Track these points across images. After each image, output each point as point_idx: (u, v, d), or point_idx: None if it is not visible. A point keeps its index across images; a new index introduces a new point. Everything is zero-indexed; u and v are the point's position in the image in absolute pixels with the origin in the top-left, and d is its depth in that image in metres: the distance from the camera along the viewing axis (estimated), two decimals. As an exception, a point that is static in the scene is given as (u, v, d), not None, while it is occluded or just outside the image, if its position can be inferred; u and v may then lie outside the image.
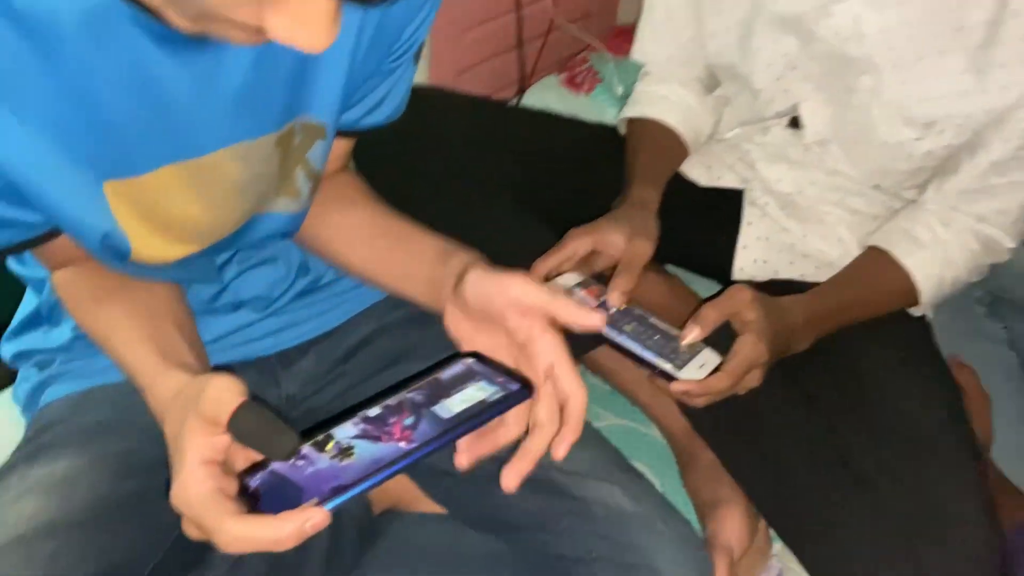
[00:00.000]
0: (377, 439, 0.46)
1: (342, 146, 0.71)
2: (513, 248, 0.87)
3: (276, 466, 0.46)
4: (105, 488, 0.61)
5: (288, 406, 0.74)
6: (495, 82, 1.38)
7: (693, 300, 0.97)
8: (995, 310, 0.99)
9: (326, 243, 0.70)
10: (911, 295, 0.86)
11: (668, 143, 0.97)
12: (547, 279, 0.79)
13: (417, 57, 0.69)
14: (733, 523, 0.78)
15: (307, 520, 0.41)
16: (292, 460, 0.45)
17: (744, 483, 0.81)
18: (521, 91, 1.33)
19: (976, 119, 0.77)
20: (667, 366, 0.71)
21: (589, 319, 0.51)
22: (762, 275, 0.96)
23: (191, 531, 0.45)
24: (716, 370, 0.73)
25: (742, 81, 0.92)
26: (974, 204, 0.84)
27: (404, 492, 0.76)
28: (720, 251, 0.98)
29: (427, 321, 0.78)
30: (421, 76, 1.28)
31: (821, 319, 0.82)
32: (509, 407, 0.48)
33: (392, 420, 0.47)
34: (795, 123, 0.95)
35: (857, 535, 0.71)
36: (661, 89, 0.99)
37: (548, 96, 1.30)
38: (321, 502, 0.42)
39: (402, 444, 0.45)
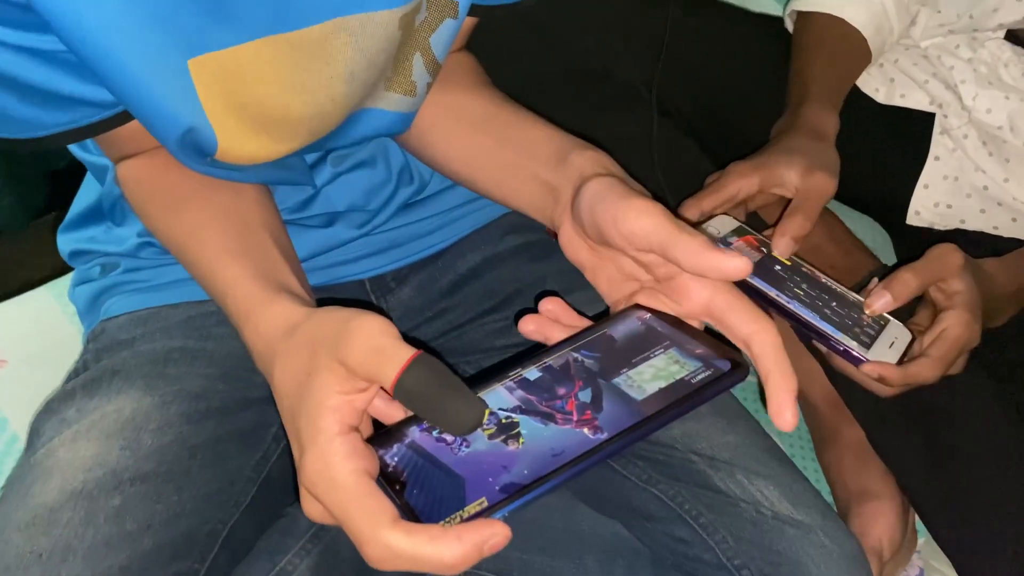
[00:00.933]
0: (549, 419, 0.36)
1: (464, 25, 0.57)
2: (661, 171, 0.72)
3: (418, 437, 0.36)
4: (176, 433, 0.52)
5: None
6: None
7: (854, 245, 0.82)
8: None
9: (423, 132, 0.56)
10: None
11: (849, 49, 0.78)
12: (698, 223, 0.64)
13: None
14: (886, 523, 0.67)
15: (489, 539, 0.31)
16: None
17: (902, 476, 0.69)
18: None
19: None
20: (852, 343, 0.57)
21: (730, 264, 0.37)
22: (943, 223, 0.79)
23: (315, 513, 0.35)
24: (908, 350, 0.59)
25: (965, -24, 0.72)
26: None
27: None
28: (894, 188, 0.81)
29: (549, 252, 0.66)
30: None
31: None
32: (718, 393, 0.37)
33: (562, 392, 0.37)
34: (1014, 38, 0.75)
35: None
36: (847, -23, 0.79)
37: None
38: (492, 506, 0.32)
39: (588, 432, 0.34)
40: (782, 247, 0.62)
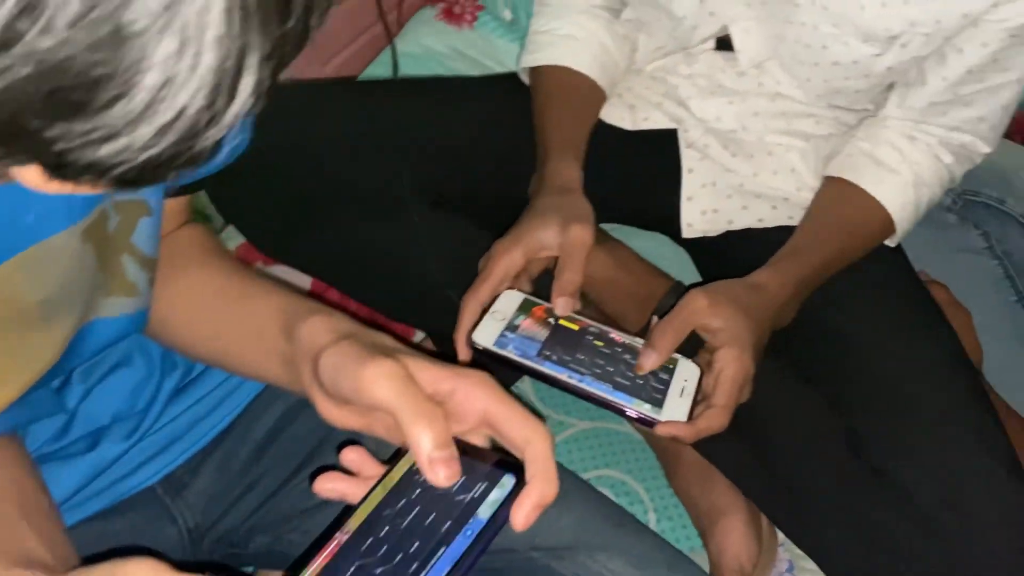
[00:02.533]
0: None
1: (175, 205, 0.55)
2: (438, 258, 0.72)
3: None
4: None
5: (194, 542, 0.59)
6: (360, 22, 1.17)
7: (645, 271, 0.85)
8: (968, 216, 0.90)
9: (163, 321, 0.54)
10: (887, 228, 0.76)
11: (582, 94, 0.81)
12: (484, 311, 0.64)
13: None
14: (737, 538, 0.69)
15: None
16: None
17: (741, 484, 0.72)
18: (389, 35, 1.13)
19: (948, 26, 0.65)
20: (645, 407, 0.58)
21: (433, 464, 0.37)
22: (714, 228, 0.83)
23: None
24: (699, 387, 0.61)
25: (659, 7, 0.76)
26: (945, 116, 0.73)
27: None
28: (664, 204, 0.85)
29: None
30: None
31: (806, 285, 0.71)
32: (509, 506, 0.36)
33: (380, 554, 0.36)
34: (723, 44, 0.80)
35: (883, 539, 0.63)
36: (563, 26, 0.82)
37: (425, 36, 1.10)
38: None
39: None
40: (560, 308, 0.63)
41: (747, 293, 0.65)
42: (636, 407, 0.58)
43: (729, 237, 0.83)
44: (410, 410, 0.37)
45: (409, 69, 1.06)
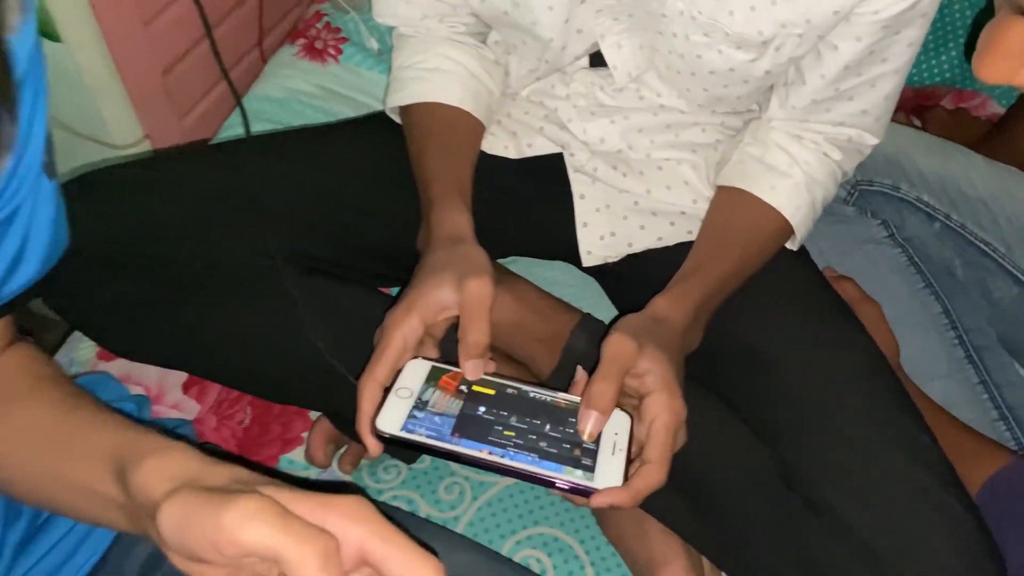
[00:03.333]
0: None
1: None
2: (323, 333, 0.65)
3: None
4: None
5: None
6: (213, 73, 1.08)
7: (552, 308, 0.80)
8: (865, 206, 0.89)
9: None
10: (785, 232, 0.73)
11: (458, 130, 0.75)
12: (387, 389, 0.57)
13: (51, 168, 0.45)
14: (680, 587, 0.65)
15: None
16: None
17: (677, 530, 0.68)
18: (233, 89, 1.04)
19: (819, 24, 0.62)
20: (575, 476, 0.53)
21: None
22: (615, 253, 0.79)
23: None
24: (631, 437, 0.56)
25: (523, 30, 0.71)
26: (829, 112, 0.71)
27: None
28: (559, 232, 0.80)
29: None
30: (119, 104, 0.98)
31: (706, 306, 0.67)
32: None
33: None
34: (597, 60, 0.76)
35: (824, 570, 0.59)
36: (428, 59, 0.76)
37: (287, 77, 1.02)
38: None
39: None
40: (470, 373, 0.57)
41: (656, 329, 0.60)
42: (567, 476, 0.52)
43: (632, 261, 0.79)
44: (291, 544, 0.31)
45: (274, 115, 0.98)
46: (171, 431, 0.67)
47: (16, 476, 0.46)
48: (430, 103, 0.75)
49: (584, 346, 0.74)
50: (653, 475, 0.53)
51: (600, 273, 0.83)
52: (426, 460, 0.78)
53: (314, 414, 0.80)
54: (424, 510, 0.75)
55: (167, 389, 0.79)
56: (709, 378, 0.70)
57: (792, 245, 0.76)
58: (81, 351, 0.80)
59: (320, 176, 0.74)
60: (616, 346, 0.56)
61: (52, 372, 0.49)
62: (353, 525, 0.33)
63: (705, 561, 0.70)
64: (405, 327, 0.57)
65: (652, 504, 0.68)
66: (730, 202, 0.73)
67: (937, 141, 0.87)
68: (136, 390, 0.78)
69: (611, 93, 0.77)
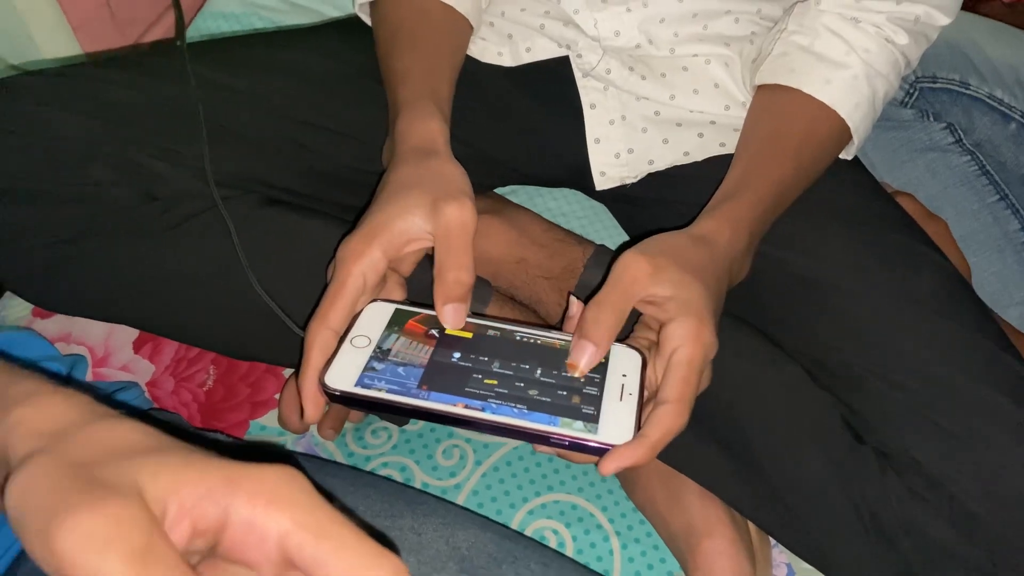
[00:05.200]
0: None
1: None
2: (265, 271, 0.54)
3: None
4: None
5: None
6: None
7: (561, 241, 0.68)
8: (926, 107, 0.76)
9: None
10: (843, 136, 0.61)
11: (437, 25, 0.62)
12: (342, 337, 0.46)
13: None
14: (726, 562, 0.54)
15: None
16: None
17: (718, 491, 0.57)
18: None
19: None
20: (574, 428, 0.42)
21: None
22: (633, 172, 0.67)
23: None
24: (643, 379, 0.45)
25: None
26: (890, -15, 0.58)
27: None
28: (568, 152, 0.68)
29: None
30: (56, 29, 0.85)
31: (760, 228, 0.55)
32: None
33: None
34: (607, -66, 0.63)
35: (906, 536, 0.48)
36: (402, -57, 0.63)
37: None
38: None
39: None
40: (450, 320, 0.46)
41: (694, 249, 0.49)
42: (563, 430, 0.41)
43: (653, 182, 0.67)
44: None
45: (229, 34, 0.86)
46: (108, 396, 0.56)
47: None
48: (410, -3, 0.62)
49: (600, 283, 0.63)
50: (671, 419, 0.42)
51: (615, 200, 0.71)
52: (418, 421, 0.67)
53: (288, 371, 0.69)
54: (420, 478, 0.64)
55: (115, 348, 0.68)
56: (753, 314, 0.59)
57: (847, 154, 0.63)
58: (13, 308, 0.68)
59: (277, 88, 0.61)
60: (625, 266, 0.45)
61: None
62: (271, 512, 0.23)
63: (752, 528, 0.60)
64: (364, 262, 0.46)
65: (689, 463, 0.57)
66: (776, 103, 0.61)
67: (1007, 28, 0.74)
68: (77, 350, 0.67)
69: (625, -24, 0.64)
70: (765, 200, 0.54)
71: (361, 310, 0.47)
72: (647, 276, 0.45)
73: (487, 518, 0.51)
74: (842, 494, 0.51)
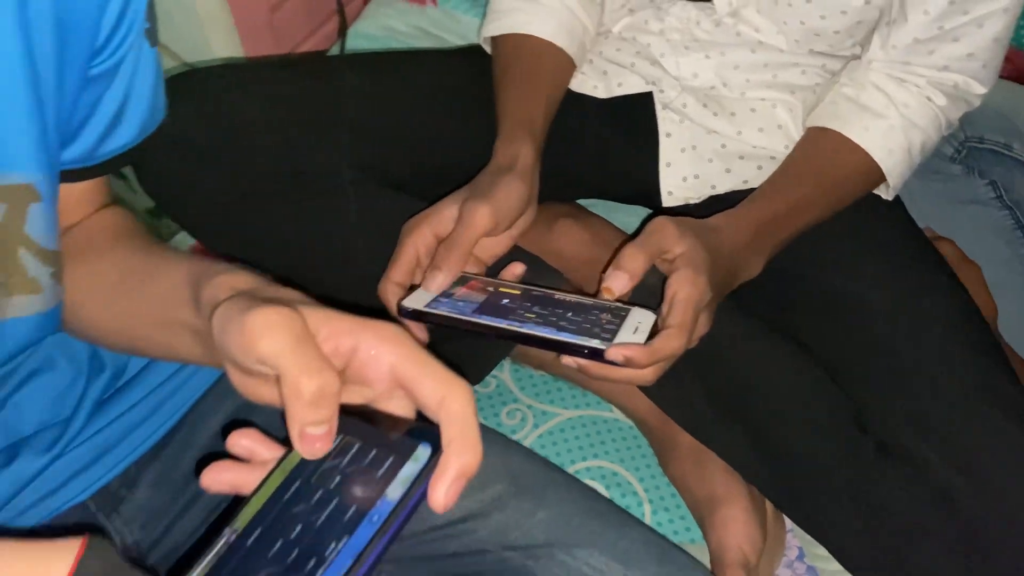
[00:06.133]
0: None
1: (81, 191, 0.50)
2: (380, 243, 0.66)
3: None
4: None
5: (135, 561, 0.54)
6: (321, 10, 1.12)
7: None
8: (973, 164, 0.84)
9: (75, 316, 0.49)
10: (875, 177, 0.70)
11: (546, 65, 0.74)
12: (412, 288, 0.58)
13: (153, 35, 0.47)
14: (739, 528, 0.63)
15: None
16: None
17: (740, 468, 0.66)
18: (342, 19, 1.07)
19: None
20: (593, 342, 0.52)
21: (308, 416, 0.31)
22: (697, 194, 0.77)
23: None
24: (654, 330, 0.55)
25: (623, -44, 0.71)
26: (932, 55, 0.67)
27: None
28: (642, 174, 0.79)
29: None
30: (227, 35, 1.02)
31: (768, 231, 0.65)
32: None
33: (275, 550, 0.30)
34: (696, -5, 0.74)
35: (896, 517, 0.56)
36: (526, -11, 0.76)
37: (387, 16, 1.05)
38: None
39: None
40: (433, 284, 0.56)
41: (703, 230, 0.60)
42: (585, 342, 0.52)
43: (714, 203, 0.77)
44: (297, 366, 0.31)
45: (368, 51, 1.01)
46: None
47: (97, 317, 0.48)
48: (522, 35, 0.75)
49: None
50: (672, 339, 0.53)
51: (680, 216, 0.81)
52: (490, 384, 0.78)
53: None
54: (485, 434, 0.75)
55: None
56: (786, 324, 0.68)
57: (886, 194, 0.72)
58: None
59: (405, 96, 0.75)
60: (658, 223, 0.57)
61: (135, 227, 0.52)
62: (386, 346, 0.33)
63: (770, 512, 0.68)
64: (416, 236, 0.59)
65: (716, 440, 0.66)
66: (817, 141, 0.71)
67: (1055, 101, 0.82)
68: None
69: (707, 28, 0.75)
70: (776, 208, 0.64)
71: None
72: (674, 235, 0.57)
73: (536, 454, 0.61)
74: (844, 473, 0.59)
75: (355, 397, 0.36)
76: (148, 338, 0.45)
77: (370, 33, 1.02)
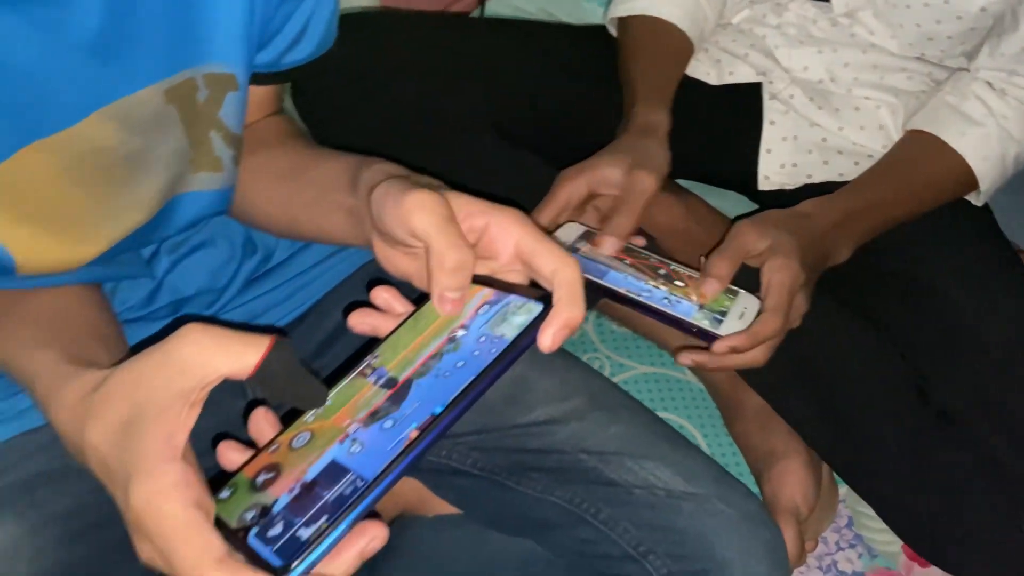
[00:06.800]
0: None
1: (262, 94, 0.59)
2: (504, 192, 0.74)
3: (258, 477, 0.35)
4: (53, 558, 0.50)
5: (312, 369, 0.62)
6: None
7: (718, 222, 0.84)
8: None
9: (242, 197, 0.57)
10: (967, 182, 0.73)
11: (671, 45, 0.81)
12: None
13: None
14: (795, 480, 0.67)
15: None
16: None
17: (804, 431, 0.70)
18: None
19: None
20: (704, 322, 0.58)
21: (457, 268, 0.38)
22: (792, 182, 0.82)
23: (145, 553, 0.35)
24: (759, 312, 0.60)
25: (749, -49, 0.77)
26: (1039, 65, 0.70)
27: (412, 495, 0.65)
28: (742, 159, 0.84)
29: (415, 289, 0.67)
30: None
31: (857, 218, 0.69)
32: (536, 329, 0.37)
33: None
34: (816, -5, 0.79)
35: (946, 480, 0.60)
36: (654, -24, 0.83)
37: None
38: (335, 519, 0.32)
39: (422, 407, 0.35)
40: (606, 247, 0.63)
41: (790, 218, 0.64)
42: (696, 320, 0.58)
43: (807, 192, 0.82)
44: (443, 241, 0.38)
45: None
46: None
47: (261, 201, 0.56)
48: (649, 17, 0.82)
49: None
50: (770, 322, 0.57)
51: (772, 202, 0.86)
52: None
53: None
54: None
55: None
56: (862, 304, 0.72)
57: (976, 200, 0.75)
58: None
59: (539, 62, 0.83)
60: (736, 230, 0.62)
61: (300, 132, 0.61)
62: (512, 226, 0.39)
63: (824, 478, 0.72)
64: (572, 186, 0.65)
65: (784, 403, 0.71)
66: (911, 141, 0.74)
67: None
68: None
69: (822, 27, 0.80)
70: (867, 198, 0.69)
71: (561, 225, 0.66)
72: (752, 234, 0.61)
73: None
74: (904, 444, 0.63)
75: (482, 268, 0.43)
76: (305, 218, 0.53)
77: (500, 12, 1.11)
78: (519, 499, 0.59)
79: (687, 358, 0.58)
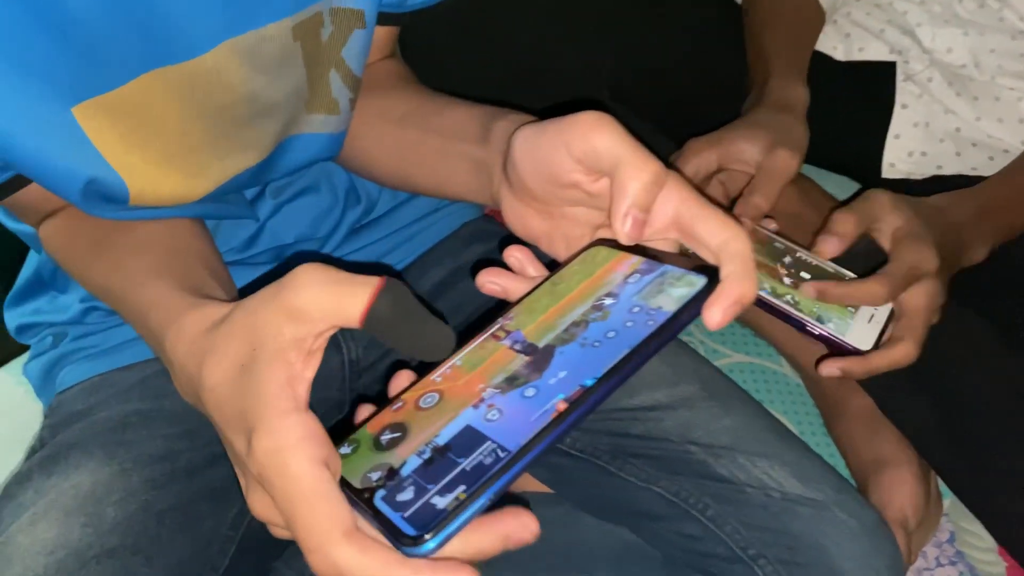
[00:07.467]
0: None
1: (382, 35, 0.56)
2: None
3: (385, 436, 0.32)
4: (140, 501, 0.49)
5: (353, 376, 0.60)
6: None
7: (831, 206, 0.78)
8: None
9: (352, 141, 0.54)
10: None
11: (803, 15, 0.75)
12: None
13: None
14: (906, 491, 0.63)
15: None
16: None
17: (918, 441, 0.65)
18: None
19: None
20: (828, 327, 0.53)
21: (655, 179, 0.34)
22: (919, 171, 0.76)
23: (260, 508, 0.32)
24: (888, 322, 0.55)
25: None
26: None
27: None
28: (866, 143, 0.79)
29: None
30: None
31: (993, 217, 0.63)
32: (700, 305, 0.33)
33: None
34: (965, -32, 0.73)
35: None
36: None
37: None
38: (473, 493, 0.28)
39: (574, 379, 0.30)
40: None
41: (924, 208, 0.59)
42: (821, 325, 0.53)
43: (936, 184, 0.76)
44: (636, 155, 0.34)
45: None
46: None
47: (372, 148, 0.53)
48: (783, -17, 0.76)
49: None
50: (900, 352, 0.53)
51: (888, 189, 0.80)
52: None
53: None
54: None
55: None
56: (995, 309, 0.67)
57: None
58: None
59: (659, 22, 0.78)
60: (872, 195, 0.57)
61: (414, 79, 0.57)
62: (673, 191, 0.35)
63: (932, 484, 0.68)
64: (701, 158, 0.60)
65: (900, 412, 0.67)
66: None
67: None
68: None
69: (969, 8, 0.74)
70: (1006, 197, 0.63)
71: None
72: (888, 205, 0.56)
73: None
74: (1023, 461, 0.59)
75: None
76: (422, 168, 0.49)
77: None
78: (619, 485, 0.56)
79: (833, 368, 0.54)
